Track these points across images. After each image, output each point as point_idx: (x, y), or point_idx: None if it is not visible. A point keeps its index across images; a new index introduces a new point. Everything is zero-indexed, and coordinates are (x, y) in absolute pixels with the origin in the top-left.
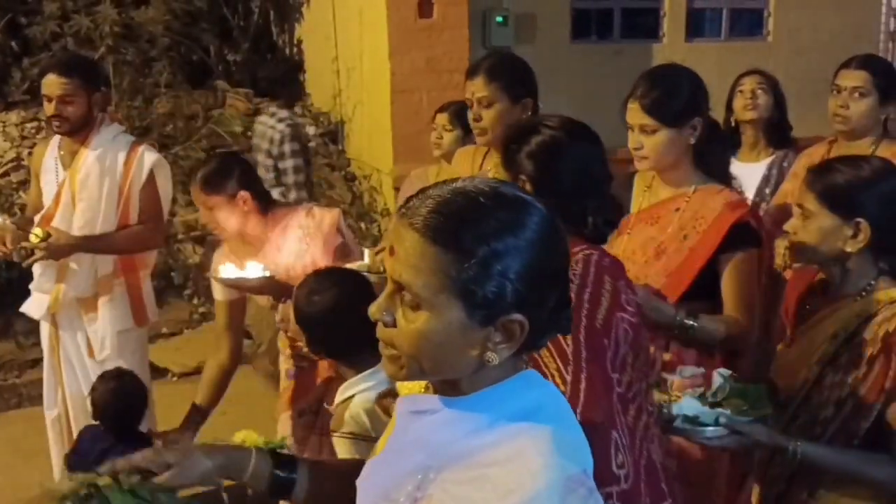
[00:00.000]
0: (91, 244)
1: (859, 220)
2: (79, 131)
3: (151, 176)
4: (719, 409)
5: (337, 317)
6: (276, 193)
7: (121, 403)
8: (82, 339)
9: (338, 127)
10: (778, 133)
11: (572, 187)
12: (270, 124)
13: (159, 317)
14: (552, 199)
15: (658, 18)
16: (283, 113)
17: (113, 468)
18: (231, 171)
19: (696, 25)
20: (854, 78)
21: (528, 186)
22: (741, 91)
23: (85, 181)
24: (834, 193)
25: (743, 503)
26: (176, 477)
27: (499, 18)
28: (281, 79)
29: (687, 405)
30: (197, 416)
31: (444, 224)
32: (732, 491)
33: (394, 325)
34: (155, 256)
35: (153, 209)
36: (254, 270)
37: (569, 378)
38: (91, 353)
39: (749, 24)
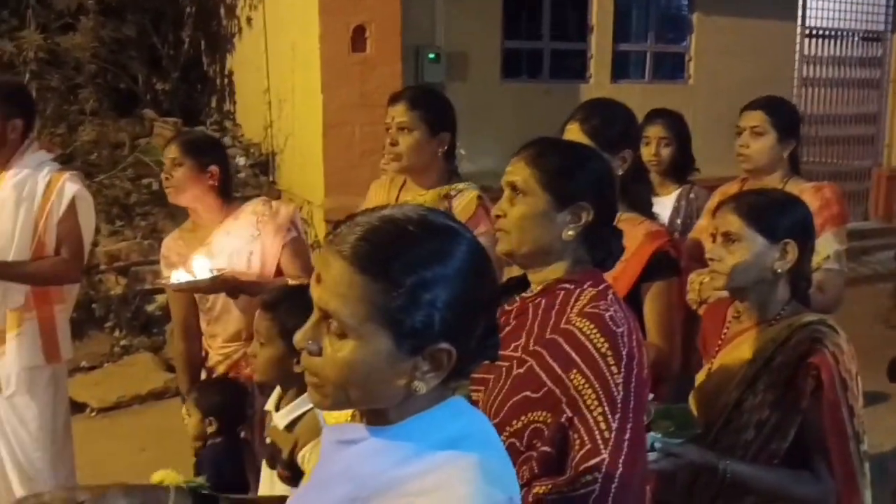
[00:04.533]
0: (1, 271)
1: (788, 240)
2: None
3: (72, 207)
4: (651, 434)
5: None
6: None
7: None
8: None
9: (268, 158)
10: (681, 171)
11: (614, 213)
12: None
13: (79, 350)
14: (607, 228)
15: (585, 60)
16: None
17: None
18: (213, 145)
19: (622, 67)
20: (752, 118)
21: (587, 214)
22: (646, 138)
23: (0, 209)
24: (761, 217)
25: None
26: None
27: (431, 55)
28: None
29: None
30: None
31: (371, 252)
32: None
33: (319, 353)
34: (75, 292)
35: (72, 242)
36: (201, 271)
37: (615, 426)
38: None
39: (671, 67)
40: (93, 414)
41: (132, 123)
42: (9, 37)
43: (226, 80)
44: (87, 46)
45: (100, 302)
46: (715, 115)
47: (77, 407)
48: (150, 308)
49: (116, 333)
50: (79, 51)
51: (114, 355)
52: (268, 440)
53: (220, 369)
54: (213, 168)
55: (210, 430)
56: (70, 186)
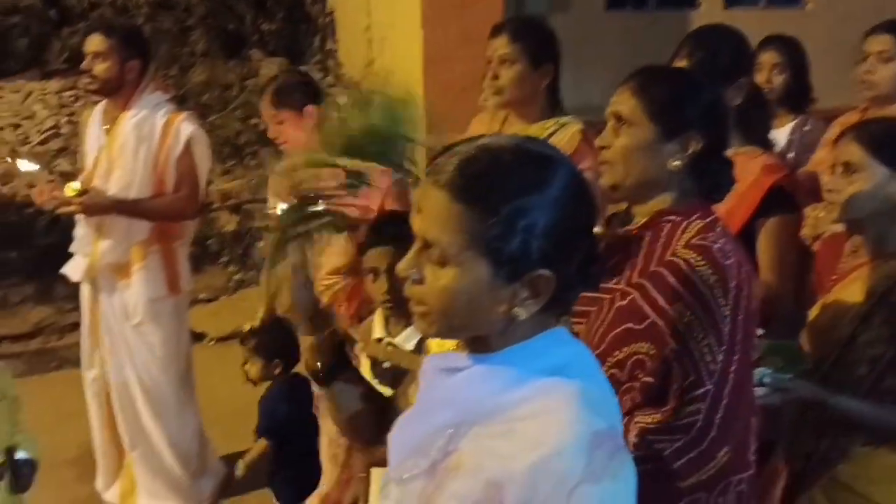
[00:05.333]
0: (124, 207)
1: None
2: (111, 94)
3: (188, 147)
4: (761, 369)
5: None
6: None
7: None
8: (118, 304)
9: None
10: (796, 100)
11: (725, 144)
12: None
13: (197, 283)
14: (716, 158)
15: None
16: None
17: None
18: (300, 86)
19: None
20: (879, 42)
21: (695, 144)
22: (758, 64)
23: (122, 149)
24: (883, 145)
25: (769, 472)
26: None
27: None
28: None
29: None
30: None
31: (468, 182)
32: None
33: (422, 282)
34: (192, 228)
35: (189, 180)
36: None
37: (720, 358)
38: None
39: None
40: (212, 343)
41: (240, 65)
42: None
43: (328, 19)
44: None
45: (214, 238)
46: (836, 44)
47: (196, 336)
48: (260, 244)
49: (230, 268)
50: None
51: (228, 289)
52: (385, 366)
53: (324, 298)
54: (310, 108)
55: (277, 371)
56: (186, 126)
